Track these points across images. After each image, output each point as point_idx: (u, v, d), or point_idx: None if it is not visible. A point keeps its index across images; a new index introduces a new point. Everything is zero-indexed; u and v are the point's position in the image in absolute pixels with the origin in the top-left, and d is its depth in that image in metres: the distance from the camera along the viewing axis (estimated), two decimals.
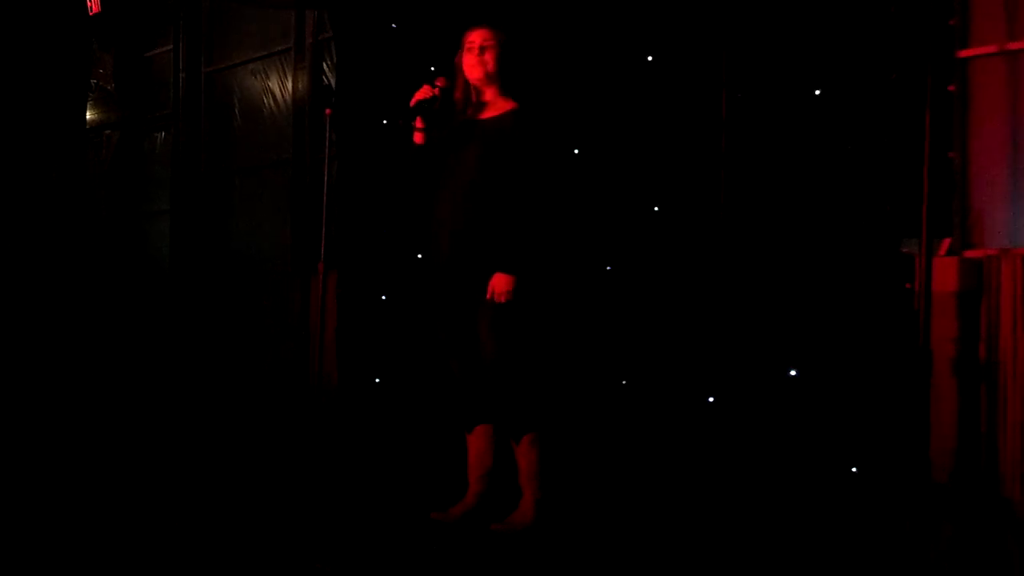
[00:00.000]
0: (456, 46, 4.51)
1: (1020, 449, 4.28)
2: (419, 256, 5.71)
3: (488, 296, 4.28)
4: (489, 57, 4.41)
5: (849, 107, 4.49)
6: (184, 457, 5.99)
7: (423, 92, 4.38)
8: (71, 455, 5.97)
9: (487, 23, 4.48)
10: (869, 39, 4.45)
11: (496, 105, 4.45)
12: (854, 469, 4.38)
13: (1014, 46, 4.53)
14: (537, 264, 4.37)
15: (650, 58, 5.12)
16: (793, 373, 4.57)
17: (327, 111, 5.12)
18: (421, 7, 6.15)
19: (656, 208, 5.08)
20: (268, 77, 8.33)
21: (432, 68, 4.69)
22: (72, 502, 4.86)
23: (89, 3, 8.86)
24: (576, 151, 5.30)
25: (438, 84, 4.42)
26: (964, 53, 4.63)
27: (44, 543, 4.14)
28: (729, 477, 4.72)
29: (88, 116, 9.73)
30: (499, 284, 4.28)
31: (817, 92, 4.56)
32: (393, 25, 6.31)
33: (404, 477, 5.41)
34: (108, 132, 9.96)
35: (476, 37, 4.44)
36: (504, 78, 4.43)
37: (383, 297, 6.32)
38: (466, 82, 4.46)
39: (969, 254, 4.54)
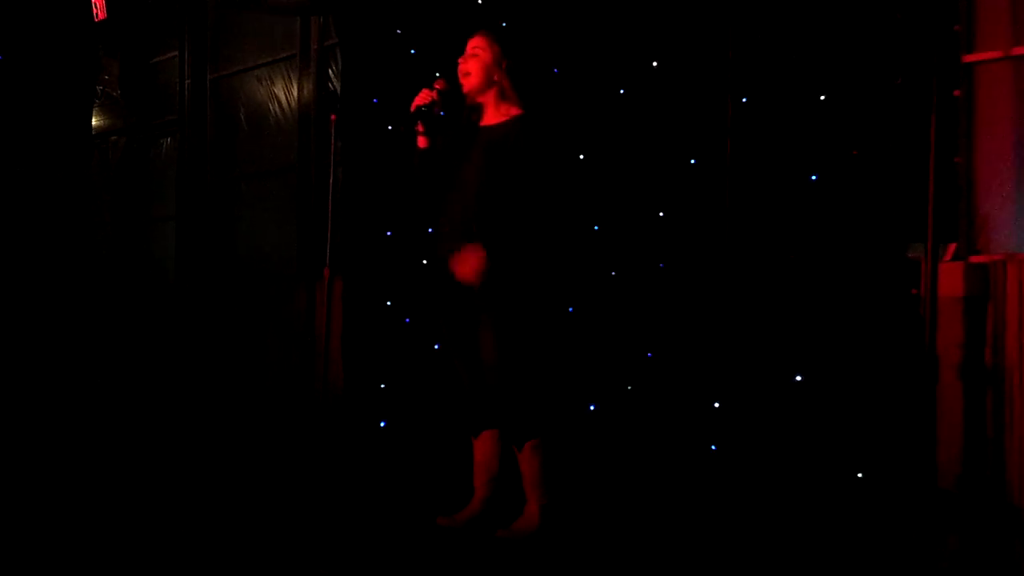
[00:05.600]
0: (460, 51, 4.49)
1: None
2: (424, 261, 5.71)
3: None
4: (472, 64, 4.38)
5: (855, 112, 4.49)
6: (189, 462, 5.99)
7: (422, 97, 4.35)
8: (77, 460, 5.97)
9: (484, 30, 4.46)
10: (875, 45, 4.45)
11: (498, 111, 4.41)
12: (860, 475, 4.37)
13: (1020, 51, 4.52)
14: (520, 251, 4.28)
15: (655, 63, 5.12)
16: (799, 378, 4.56)
17: (332, 117, 5.13)
18: (426, 13, 6.16)
19: (661, 213, 5.08)
20: (273, 83, 8.34)
21: (437, 74, 4.68)
22: (78, 507, 4.87)
23: (95, 10, 8.88)
24: (581, 156, 5.30)
25: (437, 87, 4.38)
26: (970, 58, 4.62)
27: (49, 546, 4.15)
28: (735, 482, 4.72)
29: (94, 122, 9.75)
30: (471, 260, 4.17)
31: (823, 97, 4.55)
32: (398, 31, 6.33)
33: (410, 482, 5.41)
34: (114, 138, 9.97)
35: (468, 45, 4.42)
36: (499, 84, 4.40)
37: (388, 303, 6.33)
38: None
39: (975, 259, 4.53)
